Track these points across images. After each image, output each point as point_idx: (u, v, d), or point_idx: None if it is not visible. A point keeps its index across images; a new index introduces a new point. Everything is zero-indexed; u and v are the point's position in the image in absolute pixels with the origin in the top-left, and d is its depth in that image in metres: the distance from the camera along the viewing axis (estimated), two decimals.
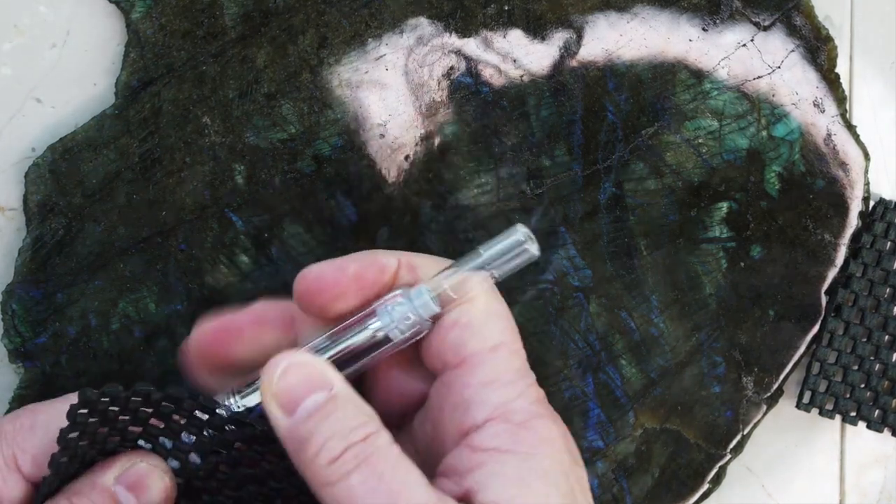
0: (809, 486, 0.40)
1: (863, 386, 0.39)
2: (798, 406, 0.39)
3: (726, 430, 0.38)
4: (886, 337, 0.38)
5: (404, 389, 0.30)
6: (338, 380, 0.27)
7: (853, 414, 0.39)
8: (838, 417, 0.39)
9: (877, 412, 0.39)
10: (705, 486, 0.38)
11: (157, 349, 0.35)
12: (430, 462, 0.28)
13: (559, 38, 0.36)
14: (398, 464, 0.26)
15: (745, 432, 0.38)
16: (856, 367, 0.38)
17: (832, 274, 0.38)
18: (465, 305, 0.28)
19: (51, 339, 0.34)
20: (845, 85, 0.38)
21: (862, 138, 0.38)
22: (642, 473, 0.37)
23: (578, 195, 0.37)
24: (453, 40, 0.36)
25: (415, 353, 0.29)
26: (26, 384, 0.34)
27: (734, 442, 0.38)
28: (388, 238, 0.36)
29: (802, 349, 0.38)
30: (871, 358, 0.38)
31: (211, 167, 0.35)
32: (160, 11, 0.35)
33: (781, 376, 0.38)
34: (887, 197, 0.39)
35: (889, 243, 0.38)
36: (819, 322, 0.38)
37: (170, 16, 0.35)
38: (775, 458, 0.40)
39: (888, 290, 0.38)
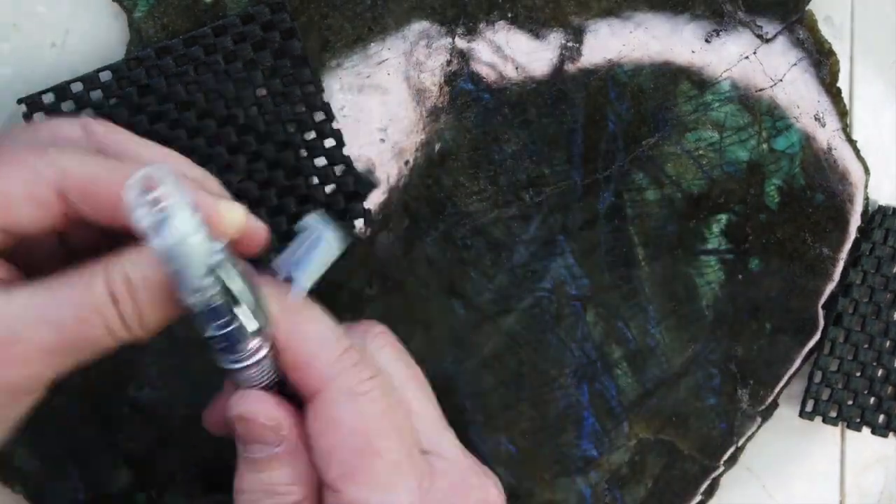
0: (810, 487, 0.40)
1: (866, 392, 0.38)
2: (801, 415, 0.39)
3: (720, 442, 0.38)
4: (888, 342, 0.38)
5: None
6: (289, 429, 0.27)
7: (857, 420, 0.39)
8: (842, 424, 0.39)
9: (881, 417, 0.39)
10: (698, 498, 0.38)
11: None
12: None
13: (561, 46, 0.36)
14: None
15: (739, 444, 0.38)
16: (858, 374, 0.38)
17: (830, 288, 0.38)
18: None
19: None
20: (845, 85, 0.38)
21: (862, 139, 0.38)
22: (636, 484, 0.37)
23: (577, 204, 0.37)
24: (456, 46, 0.36)
25: None
26: None
27: (728, 454, 0.38)
28: (387, 243, 0.36)
29: (798, 363, 0.38)
30: (874, 364, 0.38)
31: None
32: (162, 11, 0.35)
33: (776, 389, 0.38)
34: (887, 200, 0.39)
35: (888, 249, 0.38)
36: (816, 336, 0.38)
37: (172, 15, 0.35)
38: (776, 459, 0.40)
39: (888, 295, 0.38)
